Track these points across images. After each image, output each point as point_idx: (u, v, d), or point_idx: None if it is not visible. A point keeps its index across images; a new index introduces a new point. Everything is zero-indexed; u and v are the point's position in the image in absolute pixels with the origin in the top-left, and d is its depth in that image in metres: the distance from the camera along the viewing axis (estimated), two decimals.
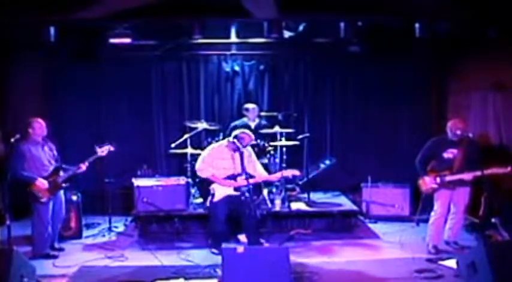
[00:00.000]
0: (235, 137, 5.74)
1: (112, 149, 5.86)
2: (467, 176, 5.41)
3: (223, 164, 5.79)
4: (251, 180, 5.52)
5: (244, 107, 7.37)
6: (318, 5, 5.93)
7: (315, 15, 6.34)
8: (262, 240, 5.87)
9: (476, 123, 7.10)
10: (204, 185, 5.93)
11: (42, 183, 5.45)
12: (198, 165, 5.87)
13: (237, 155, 5.74)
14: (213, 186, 5.77)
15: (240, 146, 5.63)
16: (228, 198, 5.73)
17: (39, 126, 5.54)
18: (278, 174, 5.97)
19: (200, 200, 6.56)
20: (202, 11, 6.12)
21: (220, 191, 5.73)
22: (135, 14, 6.01)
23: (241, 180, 5.67)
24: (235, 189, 5.73)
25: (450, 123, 5.60)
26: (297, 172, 5.99)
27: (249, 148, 5.91)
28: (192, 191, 6.86)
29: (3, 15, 5.71)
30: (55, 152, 5.72)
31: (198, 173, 5.90)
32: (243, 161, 5.67)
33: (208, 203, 5.88)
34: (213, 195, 5.77)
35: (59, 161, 5.73)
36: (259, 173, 5.89)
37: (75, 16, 5.81)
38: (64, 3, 5.68)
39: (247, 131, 5.88)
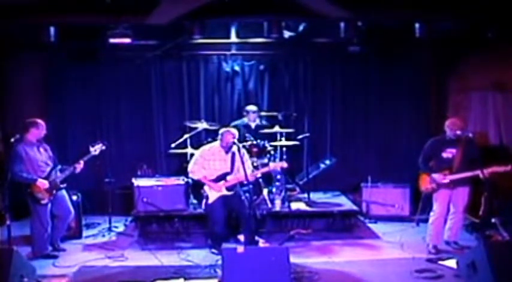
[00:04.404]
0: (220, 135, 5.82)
1: (104, 147, 5.85)
2: (468, 175, 5.40)
3: (214, 165, 5.82)
4: (232, 178, 5.66)
5: (245, 108, 7.36)
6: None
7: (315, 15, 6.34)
8: (257, 238, 5.89)
9: (476, 123, 7.11)
10: (197, 188, 6.01)
11: (42, 183, 5.45)
12: (190, 167, 5.91)
13: (229, 156, 5.78)
14: (205, 188, 5.82)
15: (222, 143, 5.72)
16: (223, 199, 5.75)
17: (42, 127, 5.56)
18: (266, 169, 6.00)
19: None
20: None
21: (214, 192, 5.76)
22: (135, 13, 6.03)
23: (231, 180, 5.73)
24: (228, 189, 5.75)
25: (449, 122, 5.59)
26: (284, 164, 6.05)
27: (243, 150, 5.86)
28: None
29: (3, 15, 5.71)
30: (50, 153, 5.71)
31: (190, 175, 5.97)
32: (233, 162, 5.72)
33: (203, 206, 5.93)
34: (207, 197, 5.81)
35: (55, 162, 5.73)
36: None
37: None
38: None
39: (231, 129, 5.88)
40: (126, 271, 5.18)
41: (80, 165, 5.65)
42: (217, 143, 5.90)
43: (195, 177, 5.91)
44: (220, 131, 5.87)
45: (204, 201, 5.86)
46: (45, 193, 5.47)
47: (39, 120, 5.58)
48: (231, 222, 6.07)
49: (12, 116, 7.16)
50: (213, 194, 5.76)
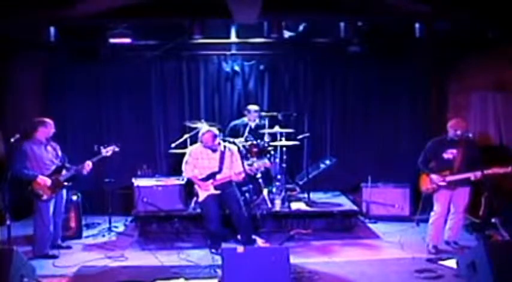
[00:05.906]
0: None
1: (117, 149, 5.92)
2: (469, 176, 5.40)
3: (203, 163, 5.84)
4: (220, 177, 5.72)
5: (247, 108, 7.36)
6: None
7: (314, 15, 6.34)
8: (255, 237, 5.92)
9: (476, 123, 7.10)
10: (189, 186, 6.09)
11: (43, 180, 5.46)
12: (182, 167, 5.98)
13: (217, 154, 5.79)
14: (196, 186, 5.87)
15: (203, 144, 5.74)
16: (215, 198, 5.78)
17: (51, 126, 5.63)
18: (252, 168, 6.11)
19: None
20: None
21: (203, 191, 5.79)
22: (135, 13, 6.02)
23: (219, 178, 5.75)
24: (216, 188, 5.76)
25: (452, 122, 5.59)
26: (267, 163, 6.16)
27: (234, 148, 5.90)
28: None
29: (3, 14, 5.71)
30: (59, 151, 5.75)
31: (183, 174, 6.03)
32: (222, 161, 5.74)
33: (193, 204, 6.03)
34: (196, 195, 5.88)
35: (64, 160, 5.75)
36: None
37: (73, 11, 5.75)
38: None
39: (212, 129, 5.83)
40: (126, 271, 5.18)
41: (88, 166, 5.68)
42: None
43: (187, 176, 5.99)
44: (200, 132, 5.85)
45: (195, 198, 5.92)
46: (47, 190, 5.49)
47: (48, 119, 5.66)
48: (230, 222, 6.07)
49: (12, 115, 7.16)
50: (202, 192, 5.79)
